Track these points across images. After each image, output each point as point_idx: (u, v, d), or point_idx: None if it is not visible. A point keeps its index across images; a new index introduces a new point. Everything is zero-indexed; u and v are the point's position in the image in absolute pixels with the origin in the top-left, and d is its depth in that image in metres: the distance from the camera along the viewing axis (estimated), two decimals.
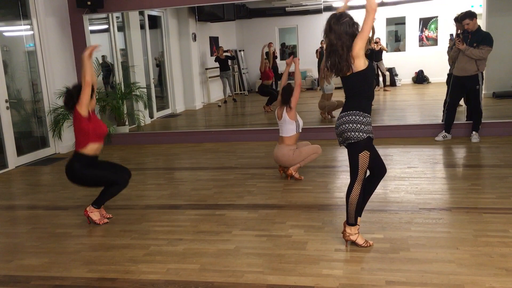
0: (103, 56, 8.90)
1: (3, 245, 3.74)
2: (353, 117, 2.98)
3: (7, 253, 3.53)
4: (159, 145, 7.51)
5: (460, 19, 6.19)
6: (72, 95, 3.76)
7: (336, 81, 7.98)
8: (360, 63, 2.94)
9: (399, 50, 12.30)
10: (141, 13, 9.36)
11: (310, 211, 3.99)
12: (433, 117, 7.48)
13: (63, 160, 6.78)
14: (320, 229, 3.56)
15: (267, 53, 9.43)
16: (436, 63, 8.18)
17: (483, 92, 6.29)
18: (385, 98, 10.82)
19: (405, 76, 12.11)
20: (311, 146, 4.95)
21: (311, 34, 10.00)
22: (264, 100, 9.58)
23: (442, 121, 6.64)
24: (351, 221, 3.15)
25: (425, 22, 11.81)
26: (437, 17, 11.65)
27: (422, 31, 11.88)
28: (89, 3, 7.08)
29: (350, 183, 3.11)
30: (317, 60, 10.17)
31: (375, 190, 3.27)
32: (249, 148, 6.82)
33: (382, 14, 11.14)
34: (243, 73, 11.99)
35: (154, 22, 10.01)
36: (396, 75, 12.02)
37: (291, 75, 5.15)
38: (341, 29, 2.90)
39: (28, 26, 6.99)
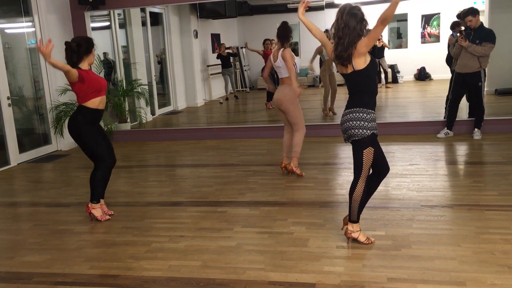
0: (105, 53, 8.89)
1: (5, 241, 3.75)
2: (357, 114, 2.98)
3: (9, 250, 3.54)
4: (160, 142, 7.51)
5: (462, 16, 6.17)
6: (73, 51, 3.88)
7: (338, 77, 7.96)
8: (360, 61, 2.95)
9: (401, 47, 12.27)
10: (143, 10, 9.36)
11: (311, 208, 3.99)
12: (435, 114, 7.46)
13: (65, 157, 6.79)
14: (322, 226, 3.56)
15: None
16: (438, 60, 8.15)
17: (485, 89, 6.27)
18: (387, 95, 10.79)
19: (407, 73, 12.09)
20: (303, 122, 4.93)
21: None
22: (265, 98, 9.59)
23: (444, 118, 6.62)
24: (353, 218, 3.15)
25: (427, 19, 11.78)
26: (439, 13, 11.62)
27: (424, 28, 11.85)
28: (90, 0, 7.08)
29: (354, 180, 3.11)
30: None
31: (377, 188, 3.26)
32: (251, 145, 6.81)
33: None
34: (245, 70, 11.99)
35: (156, 19, 10.01)
36: (398, 72, 12.00)
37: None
38: (351, 20, 2.91)
39: (30, 23, 6.99)
